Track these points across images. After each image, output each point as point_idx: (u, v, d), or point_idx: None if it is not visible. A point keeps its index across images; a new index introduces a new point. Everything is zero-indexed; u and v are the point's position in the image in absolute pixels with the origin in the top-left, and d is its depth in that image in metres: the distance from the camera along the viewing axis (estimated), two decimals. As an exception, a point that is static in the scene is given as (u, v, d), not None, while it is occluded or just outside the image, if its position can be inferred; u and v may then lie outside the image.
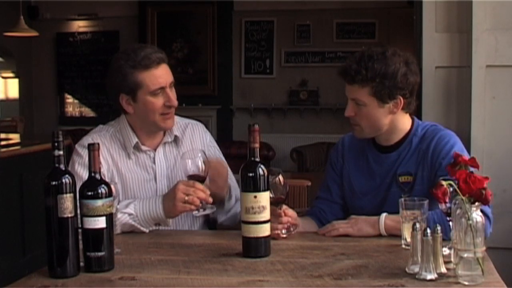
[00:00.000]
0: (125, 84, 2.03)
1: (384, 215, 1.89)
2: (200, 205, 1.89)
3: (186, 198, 1.87)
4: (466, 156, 1.64)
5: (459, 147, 1.99)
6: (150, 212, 1.95)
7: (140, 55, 2.02)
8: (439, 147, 1.99)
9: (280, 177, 1.86)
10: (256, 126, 1.70)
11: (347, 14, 8.02)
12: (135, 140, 2.10)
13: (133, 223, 1.96)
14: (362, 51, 2.00)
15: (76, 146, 2.10)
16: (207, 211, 1.91)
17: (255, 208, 1.66)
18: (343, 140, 2.21)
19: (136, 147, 2.11)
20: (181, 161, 1.94)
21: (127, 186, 2.08)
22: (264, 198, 1.68)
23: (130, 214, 1.95)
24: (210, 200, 1.89)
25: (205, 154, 1.92)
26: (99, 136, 2.12)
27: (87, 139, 2.09)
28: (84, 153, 2.03)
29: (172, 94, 2.06)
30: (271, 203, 1.82)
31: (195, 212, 1.92)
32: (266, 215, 1.68)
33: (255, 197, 1.66)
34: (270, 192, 1.81)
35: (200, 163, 1.89)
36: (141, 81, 2.02)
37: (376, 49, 1.99)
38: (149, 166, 2.12)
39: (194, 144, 2.18)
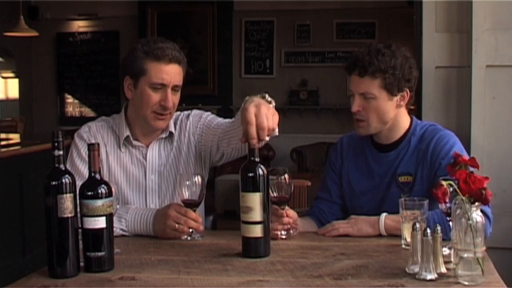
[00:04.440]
0: (133, 65, 2.02)
1: (384, 215, 1.89)
2: (190, 231, 1.87)
3: (177, 226, 1.85)
4: (465, 156, 1.64)
5: (458, 147, 1.99)
6: (142, 231, 1.94)
7: (157, 45, 2.01)
8: (439, 147, 1.99)
9: (286, 176, 1.85)
10: None
11: (347, 14, 8.03)
12: (127, 133, 2.08)
13: (126, 234, 1.96)
14: (368, 46, 2.02)
15: (75, 135, 2.10)
16: (197, 239, 1.89)
17: (243, 207, 1.66)
18: (341, 140, 2.21)
19: (128, 141, 2.10)
20: (177, 184, 1.90)
21: (116, 180, 2.06)
22: (251, 199, 1.66)
23: (121, 229, 1.94)
24: (201, 228, 1.88)
25: (202, 177, 1.89)
26: (96, 126, 2.12)
27: (84, 129, 2.11)
28: (81, 144, 2.06)
29: (174, 97, 2.03)
30: (275, 202, 1.82)
31: (184, 238, 1.89)
32: (252, 216, 1.66)
33: (243, 196, 1.66)
34: (274, 191, 1.82)
35: (195, 189, 1.86)
36: (147, 69, 2.00)
37: (379, 44, 2.02)
38: (140, 162, 2.10)
39: (185, 137, 2.14)
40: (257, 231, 1.67)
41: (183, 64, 2.05)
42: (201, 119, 2.16)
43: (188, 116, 2.18)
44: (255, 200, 1.66)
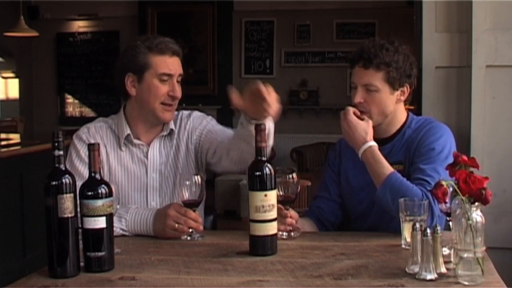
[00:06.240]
0: (135, 61, 2.04)
1: (368, 146, 1.96)
2: (189, 231, 1.88)
3: (176, 226, 1.86)
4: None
5: (444, 140, 2.00)
6: (142, 231, 1.94)
7: (157, 39, 2.06)
8: (426, 136, 2.02)
9: (294, 175, 1.87)
10: (263, 126, 1.71)
11: (347, 14, 8.02)
12: (127, 132, 2.10)
13: (126, 234, 1.96)
14: (372, 40, 2.06)
15: (73, 136, 2.11)
16: (197, 239, 1.89)
17: (265, 206, 1.67)
18: (340, 141, 2.24)
19: (128, 140, 2.11)
20: (178, 184, 1.92)
21: (117, 179, 2.07)
22: (273, 196, 1.69)
23: (121, 229, 1.94)
24: (201, 228, 1.88)
25: (202, 176, 1.90)
26: (95, 126, 2.13)
27: (83, 130, 2.11)
28: (80, 145, 2.07)
29: (178, 86, 2.07)
30: (280, 202, 1.82)
31: (184, 238, 1.90)
32: (274, 213, 1.69)
33: (266, 195, 1.67)
34: (280, 190, 1.82)
35: (194, 189, 1.87)
36: (152, 62, 2.04)
37: (383, 40, 2.06)
38: (141, 161, 2.11)
39: (181, 139, 2.15)
40: (273, 228, 1.69)
41: (181, 55, 2.11)
42: (203, 122, 2.18)
43: (189, 115, 2.20)
44: (275, 197, 1.69)
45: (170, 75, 2.05)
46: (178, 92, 2.06)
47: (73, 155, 2.07)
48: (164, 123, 2.12)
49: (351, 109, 2.01)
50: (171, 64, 2.06)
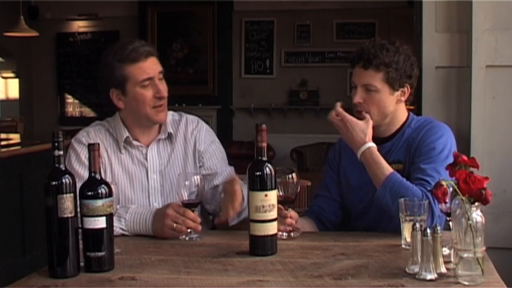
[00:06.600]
0: (114, 78, 2.04)
1: (368, 146, 1.96)
2: (188, 231, 1.88)
3: (175, 226, 1.86)
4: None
5: (444, 140, 2.00)
6: (141, 231, 1.94)
7: (127, 49, 2.04)
8: (426, 135, 2.02)
9: (294, 175, 1.87)
10: (264, 126, 1.72)
11: (347, 14, 8.02)
12: (126, 134, 2.10)
13: (125, 233, 1.96)
14: (373, 40, 2.05)
15: (72, 140, 2.11)
16: (195, 239, 1.89)
17: (265, 206, 1.68)
18: (340, 141, 2.24)
19: (127, 142, 2.11)
20: (177, 185, 1.93)
21: (118, 181, 2.07)
22: (273, 196, 1.70)
23: (121, 228, 1.95)
24: (199, 228, 1.89)
25: (202, 177, 1.90)
26: (94, 130, 2.13)
27: (83, 134, 2.11)
28: (80, 148, 2.06)
29: (162, 85, 2.06)
30: (280, 202, 1.82)
31: (182, 238, 1.90)
32: (274, 213, 1.70)
33: (266, 195, 1.68)
34: (280, 190, 1.83)
35: (193, 189, 1.87)
36: (128, 73, 2.02)
37: (384, 40, 2.05)
38: (141, 162, 2.11)
39: (188, 142, 2.16)
40: (273, 228, 1.70)
41: (156, 53, 2.10)
42: (213, 146, 2.19)
43: (197, 122, 2.20)
44: (275, 197, 1.70)
45: (150, 78, 2.04)
46: (164, 92, 2.05)
47: (73, 158, 2.06)
48: (160, 123, 2.12)
49: (338, 104, 2.01)
50: (148, 68, 2.04)
